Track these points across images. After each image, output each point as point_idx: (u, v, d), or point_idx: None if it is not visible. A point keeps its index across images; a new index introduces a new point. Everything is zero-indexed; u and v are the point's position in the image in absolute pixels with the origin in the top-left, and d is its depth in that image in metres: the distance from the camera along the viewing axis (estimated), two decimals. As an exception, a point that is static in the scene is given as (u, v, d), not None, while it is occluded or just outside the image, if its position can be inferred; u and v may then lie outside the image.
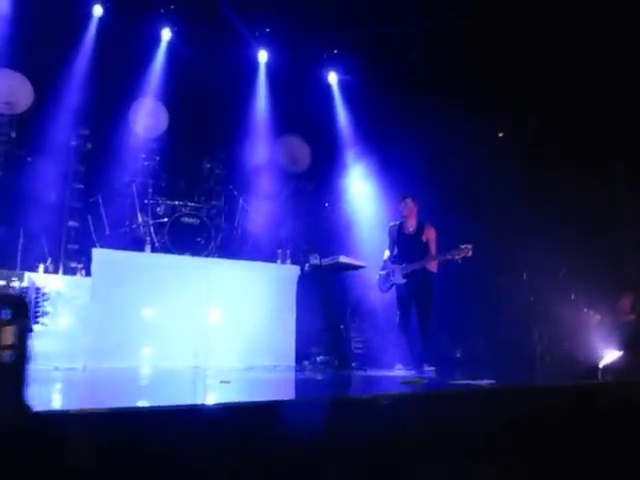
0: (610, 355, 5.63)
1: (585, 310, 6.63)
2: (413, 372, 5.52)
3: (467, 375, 4.63)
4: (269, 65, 8.75)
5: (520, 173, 6.94)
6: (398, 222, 6.21)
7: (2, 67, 6.89)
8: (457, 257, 5.66)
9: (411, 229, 6.09)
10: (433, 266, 5.84)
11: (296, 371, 5.92)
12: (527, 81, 6.91)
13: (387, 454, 2.74)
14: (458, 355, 7.23)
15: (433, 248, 5.96)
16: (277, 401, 2.71)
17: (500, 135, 8.32)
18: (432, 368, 5.65)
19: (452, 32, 7.00)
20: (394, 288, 6.13)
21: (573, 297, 7.04)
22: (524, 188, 6.84)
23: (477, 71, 7.11)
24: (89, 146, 7.09)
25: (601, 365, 5.51)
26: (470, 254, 5.62)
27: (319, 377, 5.05)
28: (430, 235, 6.00)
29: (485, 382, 3.75)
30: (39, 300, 4.74)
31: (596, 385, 4.27)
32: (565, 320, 6.82)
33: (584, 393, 3.60)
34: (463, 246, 5.64)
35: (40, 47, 6.75)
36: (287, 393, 3.96)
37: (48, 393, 3.75)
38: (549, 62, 6.80)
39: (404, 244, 6.08)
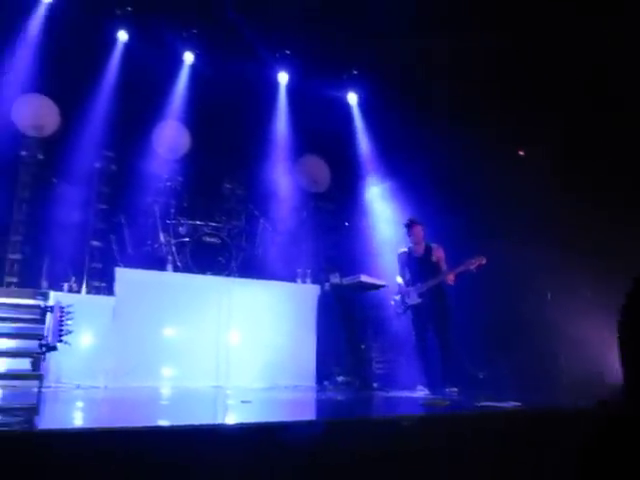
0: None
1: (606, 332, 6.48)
2: (435, 393, 5.43)
3: (491, 397, 4.54)
4: (289, 86, 8.85)
5: (543, 191, 6.85)
6: (407, 247, 6.25)
7: (29, 92, 7.09)
8: (472, 267, 5.68)
9: (420, 252, 6.13)
10: (450, 279, 5.81)
11: (317, 391, 5.87)
12: (549, 98, 6.86)
13: (409, 475, 2.70)
14: (481, 376, 7.09)
15: (444, 265, 6.00)
16: (299, 421, 2.69)
17: (521, 154, 8.25)
18: (454, 389, 5.57)
19: (471, 49, 7.01)
20: (409, 311, 6.11)
21: (599, 318, 6.87)
22: (548, 206, 6.75)
23: (497, 88, 7.10)
24: (113, 168, 7.24)
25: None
26: (484, 262, 5.63)
27: (340, 397, 5.00)
28: (439, 254, 6.06)
29: (510, 404, 3.68)
30: (63, 319, 4.79)
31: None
32: (591, 342, 6.67)
33: (610, 416, 3.50)
34: (476, 256, 5.66)
35: (66, 71, 6.93)
36: (308, 413, 3.92)
37: (68, 411, 3.78)
38: (571, 78, 6.76)
39: (415, 267, 6.12)
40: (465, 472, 2.85)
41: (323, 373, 6.53)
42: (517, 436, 3.19)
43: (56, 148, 7.09)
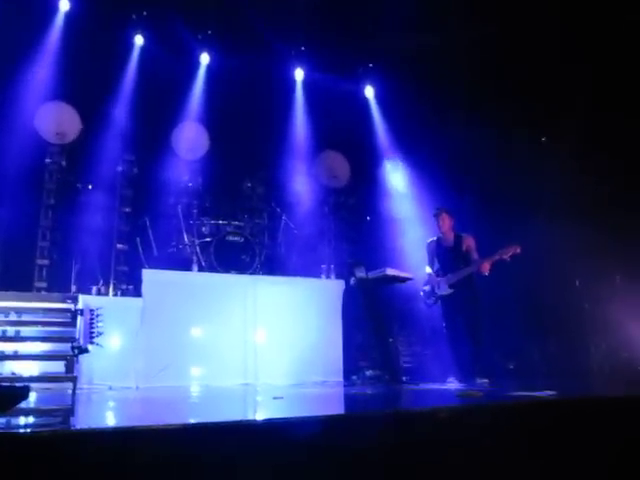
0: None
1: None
2: (466, 385, 5.38)
3: (524, 386, 4.47)
4: (306, 82, 8.84)
5: (565, 175, 6.74)
6: (435, 237, 6.18)
7: (51, 99, 7.19)
8: (506, 256, 5.60)
9: (450, 242, 6.05)
10: (485, 268, 5.73)
11: (346, 386, 5.86)
12: (570, 84, 6.75)
13: (445, 467, 2.66)
14: (511, 367, 7.01)
15: (475, 254, 5.92)
16: (334, 415, 2.67)
17: (543, 140, 8.15)
18: (485, 380, 5.50)
19: (489, 37, 6.94)
20: (439, 301, 6.06)
21: (630, 303, 6.75)
22: (573, 192, 6.65)
23: (518, 75, 7.00)
24: (135, 171, 7.32)
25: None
26: (519, 251, 5.56)
27: (370, 392, 4.98)
28: (469, 243, 5.98)
29: (545, 393, 3.61)
30: (93, 321, 4.85)
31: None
32: (623, 328, 6.54)
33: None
34: (511, 244, 5.60)
35: (85, 78, 7.01)
36: (341, 408, 3.91)
37: (103, 411, 3.82)
38: (591, 64, 6.63)
39: (445, 257, 6.04)
40: (502, 462, 2.81)
41: (351, 368, 6.52)
42: (554, 425, 3.14)
43: (79, 154, 7.19)
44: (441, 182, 7.45)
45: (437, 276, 6.05)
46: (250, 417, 3.40)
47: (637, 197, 6.52)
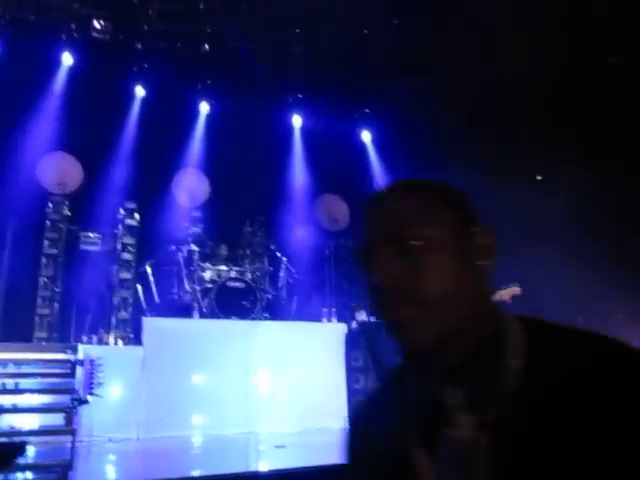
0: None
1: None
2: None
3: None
4: (304, 128, 9.01)
5: (567, 214, 6.79)
6: None
7: (53, 150, 7.32)
8: (506, 297, 5.53)
9: None
10: None
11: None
12: (564, 122, 6.88)
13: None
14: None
15: None
16: (337, 465, 2.61)
17: (538, 178, 8.25)
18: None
19: (484, 79, 7.11)
20: None
21: (634, 340, 6.67)
22: (575, 229, 6.68)
23: (512, 114, 7.14)
24: (136, 218, 7.35)
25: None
26: (519, 292, 5.49)
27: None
28: None
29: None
30: (93, 371, 4.80)
31: None
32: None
33: None
34: (509, 284, 5.54)
35: (87, 128, 7.15)
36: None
37: (102, 466, 3.74)
38: (583, 101, 6.78)
39: None
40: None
41: (356, 413, 6.39)
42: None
43: (80, 203, 7.26)
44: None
45: None
46: (252, 468, 3.33)
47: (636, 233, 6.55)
